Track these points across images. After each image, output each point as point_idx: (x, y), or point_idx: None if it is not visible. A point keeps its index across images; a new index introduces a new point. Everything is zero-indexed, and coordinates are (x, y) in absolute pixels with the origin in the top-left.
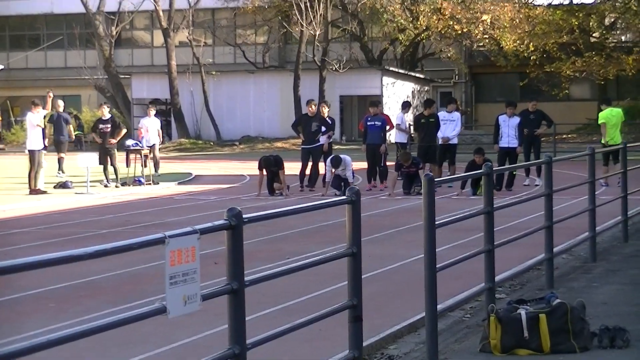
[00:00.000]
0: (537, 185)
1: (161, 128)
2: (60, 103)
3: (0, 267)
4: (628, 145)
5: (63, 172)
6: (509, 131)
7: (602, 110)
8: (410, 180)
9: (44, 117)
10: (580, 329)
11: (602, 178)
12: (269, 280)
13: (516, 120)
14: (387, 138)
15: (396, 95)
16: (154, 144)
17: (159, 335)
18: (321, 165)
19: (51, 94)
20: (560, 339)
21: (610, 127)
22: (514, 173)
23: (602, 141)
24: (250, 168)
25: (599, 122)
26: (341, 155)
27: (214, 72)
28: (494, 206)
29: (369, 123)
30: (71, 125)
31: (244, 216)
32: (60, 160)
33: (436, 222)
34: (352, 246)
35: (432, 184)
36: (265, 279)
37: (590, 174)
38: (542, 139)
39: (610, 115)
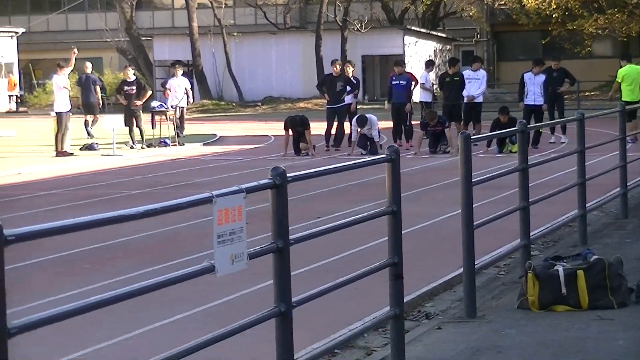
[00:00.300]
0: (562, 142)
1: (190, 88)
2: (88, 65)
3: (54, 228)
4: None
5: (92, 135)
6: (534, 89)
7: (622, 67)
8: (436, 139)
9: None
10: (618, 285)
11: (629, 135)
12: (314, 238)
13: (542, 77)
14: (412, 97)
15: (418, 54)
16: (182, 106)
17: (197, 294)
18: (346, 124)
19: (76, 51)
20: (598, 295)
21: (629, 84)
22: (540, 131)
23: (624, 98)
24: (274, 129)
25: (617, 79)
26: (367, 115)
27: (235, 34)
28: (529, 163)
29: (393, 82)
30: (99, 87)
31: (288, 175)
32: (94, 121)
33: (473, 180)
34: (392, 204)
35: (469, 142)
36: (310, 237)
37: (620, 130)
38: (565, 97)
39: (630, 72)
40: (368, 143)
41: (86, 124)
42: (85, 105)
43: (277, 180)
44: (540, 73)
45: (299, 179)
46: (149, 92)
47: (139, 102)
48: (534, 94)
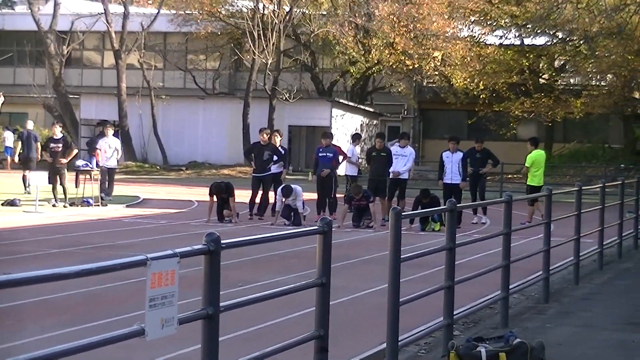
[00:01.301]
0: (483, 223)
1: (120, 148)
2: (30, 122)
3: None
4: (584, 188)
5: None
6: (452, 167)
7: (530, 153)
8: (360, 213)
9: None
10: None
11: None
12: (244, 306)
13: (459, 155)
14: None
15: (345, 127)
16: (111, 166)
17: (119, 357)
18: (271, 194)
19: (2, 97)
20: None
21: (536, 170)
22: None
23: (531, 183)
24: (198, 194)
25: (527, 164)
26: (292, 185)
27: (163, 96)
28: (456, 243)
29: (320, 154)
30: (39, 143)
31: (222, 242)
32: (25, 178)
33: (401, 257)
34: (322, 277)
35: (400, 218)
36: (241, 305)
37: (546, 214)
38: (488, 178)
39: (539, 158)
40: (292, 213)
41: (24, 178)
42: (25, 161)
43: (212, 246)
44: (459, 151)
45: (234, 246)
46: (75, 151)
47: (64, 160)
48: (452, 172)
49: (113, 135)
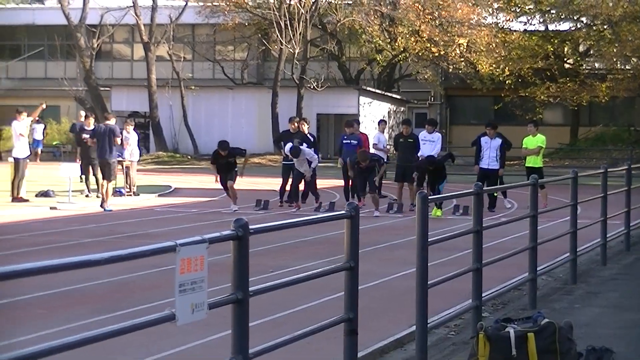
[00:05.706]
0: (507, 207)
1: (137, 144)
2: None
3: (16, 271)
4: (610, 170)
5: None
6: (490, 152)
7: (535, 136)
8: (363, 180)
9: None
10: (568, 349)
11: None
12: (273, 290)
13: (498, 141)
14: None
15: (372, 114)
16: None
17: (148, 343)
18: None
19: (44, 106)
20: (547, 358)
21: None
22: (495, 195)
23: (538, 164)
24: None
25: (543, 144)
26: (300, 147)
27: (193, 87)
28: (483, 226)
29: (345, 141)
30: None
31: (250, 227)
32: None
33: (428, 240)
34: (350, 260)
35: (426, 202)
36: (270, 289)
37: (572, 197)
38: (514, 163)
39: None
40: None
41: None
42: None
43: (240, 231)
44: (498, 137)
45: (262, 231)
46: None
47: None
48: (489, 157)
49: (133, 130)
